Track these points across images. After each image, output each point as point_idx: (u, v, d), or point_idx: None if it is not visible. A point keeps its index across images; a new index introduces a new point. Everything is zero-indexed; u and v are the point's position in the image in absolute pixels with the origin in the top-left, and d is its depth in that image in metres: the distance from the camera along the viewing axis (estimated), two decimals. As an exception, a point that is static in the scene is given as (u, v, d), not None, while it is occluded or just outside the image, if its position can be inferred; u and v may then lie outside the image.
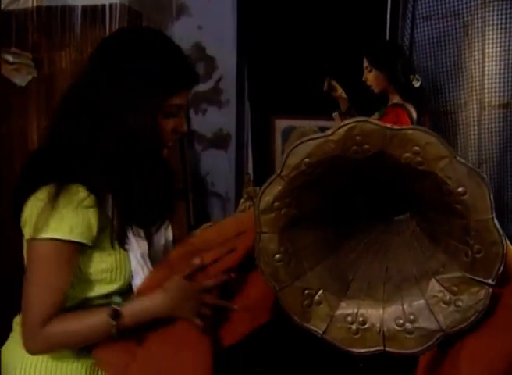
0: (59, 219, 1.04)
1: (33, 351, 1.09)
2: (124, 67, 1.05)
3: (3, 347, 1.21)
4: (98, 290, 1.15)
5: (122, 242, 1.13)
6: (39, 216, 1.03)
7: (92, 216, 1.07)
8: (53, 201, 1.03)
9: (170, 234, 1.26)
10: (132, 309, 1.10)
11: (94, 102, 1.06)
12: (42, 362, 1.14)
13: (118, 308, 1.08)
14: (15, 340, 1.16)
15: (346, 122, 1.07)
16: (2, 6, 2.97)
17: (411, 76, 2.57)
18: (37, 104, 2.84)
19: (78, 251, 1.08)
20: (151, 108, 1.07)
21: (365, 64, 2.61)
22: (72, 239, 1.05)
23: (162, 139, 1.12)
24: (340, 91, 2.67)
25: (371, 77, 2.61)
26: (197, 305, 1.13)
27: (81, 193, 1.06)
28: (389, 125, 1.04)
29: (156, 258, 1.22)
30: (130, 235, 1.14)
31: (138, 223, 1.15)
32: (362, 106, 2.65)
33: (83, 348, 1.14)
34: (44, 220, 1.03)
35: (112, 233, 1.11)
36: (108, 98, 1.06)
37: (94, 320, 1.09)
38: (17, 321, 1.19)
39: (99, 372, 1.18)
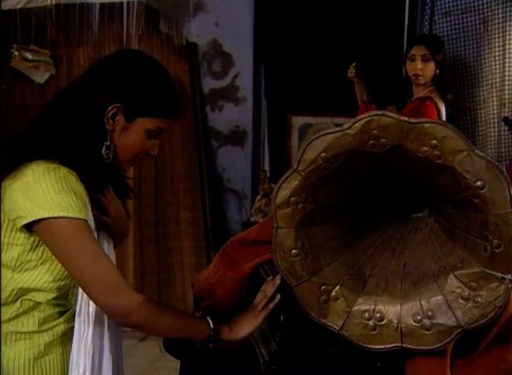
0: (72, 199, 1.08)
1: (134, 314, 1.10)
2: (127, 81, 1.15)
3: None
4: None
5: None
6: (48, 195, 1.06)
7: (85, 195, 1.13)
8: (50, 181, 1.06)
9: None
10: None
11: (90, 105, 1.13)
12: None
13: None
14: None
15: (362, 115, 1.05)
16: (22, 4, 3.00)
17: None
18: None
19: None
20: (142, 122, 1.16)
21: (422, 52, 2.57)
22: (82, 217, 1.09)
23: (133, 152, 1.19)
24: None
25: (428, 66, 2.56)
26: None
27: (72, 176, 1.10)
28: (406, 118, 1.03)
29: None
30: None
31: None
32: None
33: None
34: (59, 200, 1.06)
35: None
36: (103, 103, 1.13)
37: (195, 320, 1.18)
38: None
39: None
